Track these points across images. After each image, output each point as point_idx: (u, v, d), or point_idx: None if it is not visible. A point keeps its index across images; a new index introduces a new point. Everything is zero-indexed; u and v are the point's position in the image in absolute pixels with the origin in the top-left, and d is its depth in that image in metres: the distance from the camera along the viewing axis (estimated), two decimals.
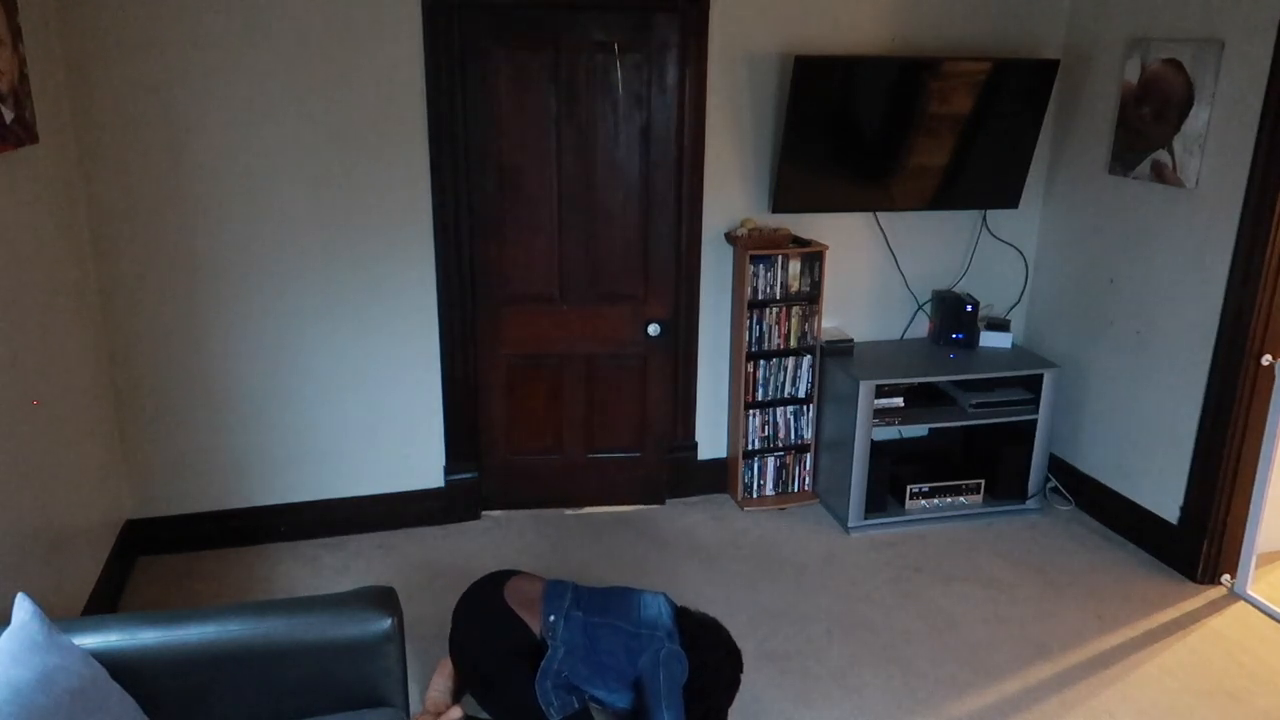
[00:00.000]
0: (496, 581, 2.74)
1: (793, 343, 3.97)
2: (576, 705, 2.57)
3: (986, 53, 3.95)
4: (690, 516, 4.01)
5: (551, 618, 2.60)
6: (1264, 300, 3.25)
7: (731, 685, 2.65)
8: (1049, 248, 4.25)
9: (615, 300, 3.87)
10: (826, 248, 3.90)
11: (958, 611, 3.39)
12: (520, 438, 3.97)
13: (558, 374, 3.90)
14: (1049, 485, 4.18)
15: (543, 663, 2.54)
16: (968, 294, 4.19)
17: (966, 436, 4.29)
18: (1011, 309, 4.37)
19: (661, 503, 4.08)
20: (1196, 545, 3.55)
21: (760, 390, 3.99)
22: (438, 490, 3.89)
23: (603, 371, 3.93)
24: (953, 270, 4.26)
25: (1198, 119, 3.41)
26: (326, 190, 3.44)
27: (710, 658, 2.61)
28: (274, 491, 3.69)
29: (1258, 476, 3.41)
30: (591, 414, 3.98)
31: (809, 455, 4.14)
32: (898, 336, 4.31)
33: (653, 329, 3.89)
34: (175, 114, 3.23)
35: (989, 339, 4.18)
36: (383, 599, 2.17)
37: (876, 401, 3.83)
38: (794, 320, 3.94)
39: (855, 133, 3.82)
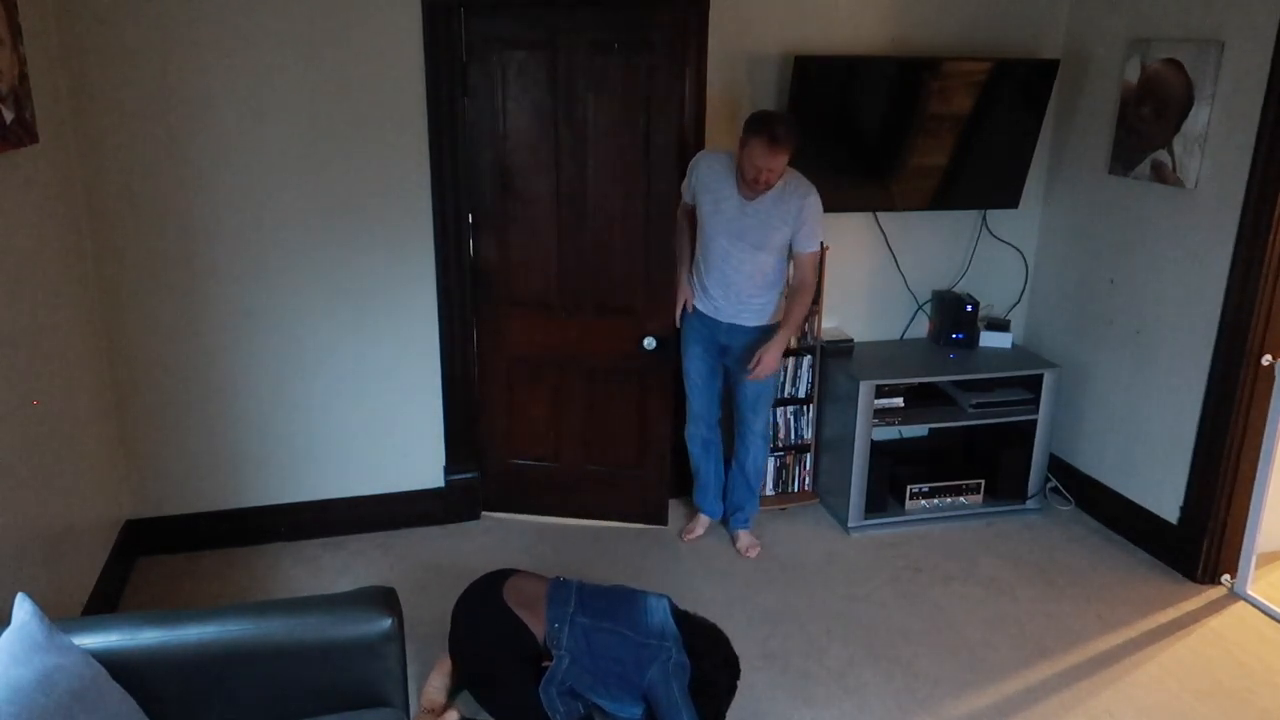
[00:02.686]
0: (496, 581, 2.74)
1: (793, 343, 3.97)
2: (582, 710, 2.57)
3: (986, 53, 3.94)
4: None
5: (556, 625, 2.59)
6: (1264, 300, 3.25)
7: (729, 692, 2.65)
8: (1049, 248, 4.25)
9: (614, 312, 3.72)
10: (826, 248, 3.90)
11: (958, 611, 3.39)
12: (520, 441, 3.94)
13: (558, 381, 3.84)
14: (1049, 485, 4.18)
15: (548, 671, 2.54)
16: (968, 294, 4.19)
17: (966, 436, 4.29)
18: (1011, 309, 4.37)
19: (664, 523, 3.92)
20: (1196, 545, 3.55)
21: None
22: (438, 490, 3.89)
23: (602, 383, 3.82)
24: (953, 270, 4.26)
25: (1198, 119, 3.41)
26: (327, 189, 3.44)
27: (710, 664, 2.60)
28: (274, 491, 3.69)
29: (1258, 476, 3.41)
30: (591, 425, 3.88)
31: (809, 455, 4.13)
32: (898, 336, 4.31)
33: (649, 342, 3.66)
34: (175, 114, 3.23)
35: (989, 339, 4.18)
36: (383, 599, 2.17)
37: (876, 401, 3.83)
38: None
39: (855, 133, 3.82)
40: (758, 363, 3.39)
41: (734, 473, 3.80)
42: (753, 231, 3.34)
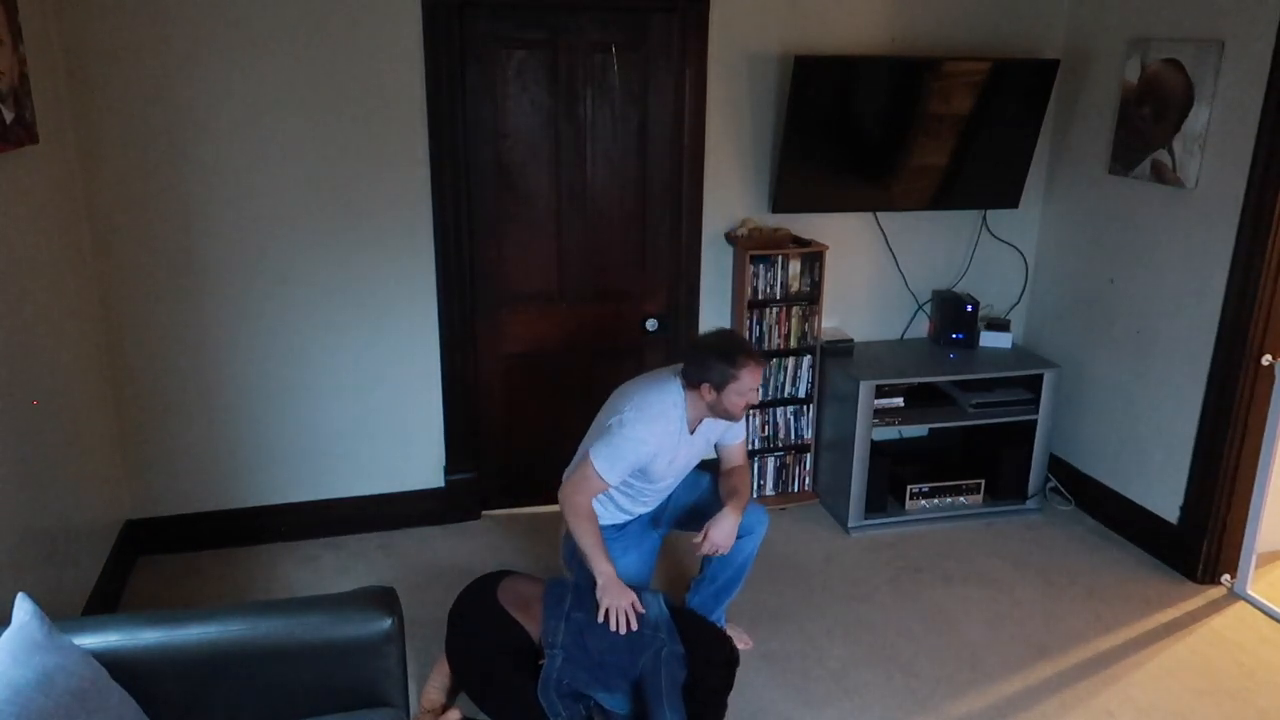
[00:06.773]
0: (490, 584, 2.73)
1: (793, 343, 3.97)
2: (584, 712, 2.56)
3: (986, 53, 3.94)
4: None
5: (551, 623, 2.59)
6: (1264, 300, 3.25)
7: (725, 686, 2.64)
8: (1049, 248, 4.25)
9: (613, 298, 3.88)
10: (826, 248, 3.90)
11: (958, 611, 3.39)
12: (520, 436, 3.96)
13: (558, 371, 3.90)
14: (1049, 485, 4.18)
15: (543, 671, 2.54)
16: (968, 294, 4.19)
17: (966, 436, 4.29)
18: (1011, 309, 4.37)
19: None
20: (1196, 545, 3.55)
21: (760, 390, 3.98)
22: (438, 490, 3.89)
23: (602, 368, 3.86)
24: (953, 270, 4.26)
25: (1198, 119, 3.41)
26: (326, 189, 3.44)
27: (704, 655, 2.60)
28: (274, 491, 3.69)
29: (1258, 477, 3.41)
30: (592, 406, 3.89)
31: (809, 455, 4.14)
32: (898, 336, 4.31)
33: (650, 324, 3.91)
34: (175, 113, 3.23)
35: (989, 339, 4.18)
36: (383, 599, 2.18)
37: (876, 401, 3.83)
38: (794, 320, 3.94)
39: (855, 133, 3.82)
40: (704, 537, 2.84)
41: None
42: (695, 458, 3.00)
